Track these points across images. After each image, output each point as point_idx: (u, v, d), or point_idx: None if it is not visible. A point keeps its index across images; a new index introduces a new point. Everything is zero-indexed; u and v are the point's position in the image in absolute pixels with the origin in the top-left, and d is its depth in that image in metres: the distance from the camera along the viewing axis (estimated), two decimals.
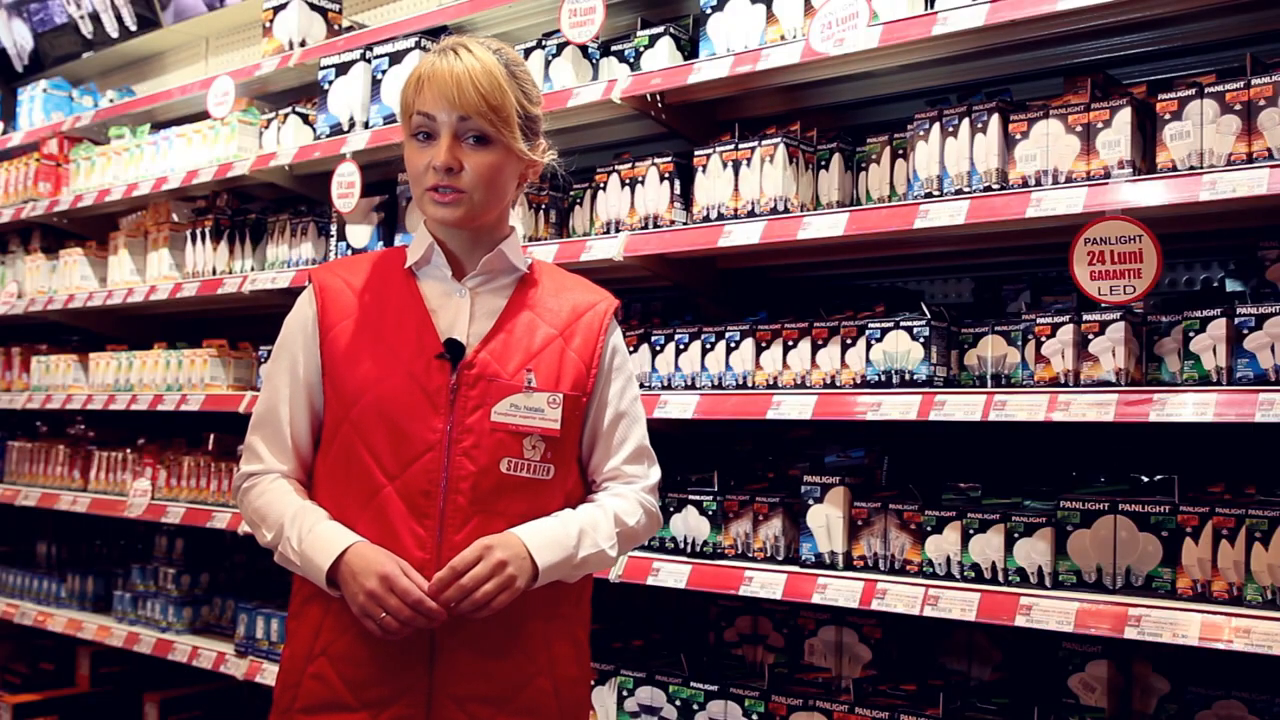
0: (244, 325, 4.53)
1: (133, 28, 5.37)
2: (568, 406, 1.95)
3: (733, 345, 2.84)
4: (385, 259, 2.05)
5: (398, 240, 3.61)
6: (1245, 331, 2.17)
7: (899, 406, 2.44)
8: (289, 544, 1.88)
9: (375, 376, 1.90)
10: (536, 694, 1.93)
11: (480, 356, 1.92)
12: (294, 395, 1.97)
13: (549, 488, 1.96)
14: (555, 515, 1.95)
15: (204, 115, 4.21)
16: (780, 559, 2.71)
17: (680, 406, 2.77)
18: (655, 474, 2.10)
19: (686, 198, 3.01)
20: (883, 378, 2.57)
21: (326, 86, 3.77)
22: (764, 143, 2.81)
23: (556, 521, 1.92)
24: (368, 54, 3.67)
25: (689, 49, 3.12)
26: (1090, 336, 2.33)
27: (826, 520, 2.59)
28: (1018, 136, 2.46)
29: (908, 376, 2.53)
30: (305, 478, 2.00)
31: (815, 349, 2.72)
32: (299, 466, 1.99)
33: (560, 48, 3.26)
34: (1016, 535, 2.36)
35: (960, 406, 2.34)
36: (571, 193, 3.36)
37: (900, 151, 2.77)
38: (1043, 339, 2.38)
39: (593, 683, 2.87)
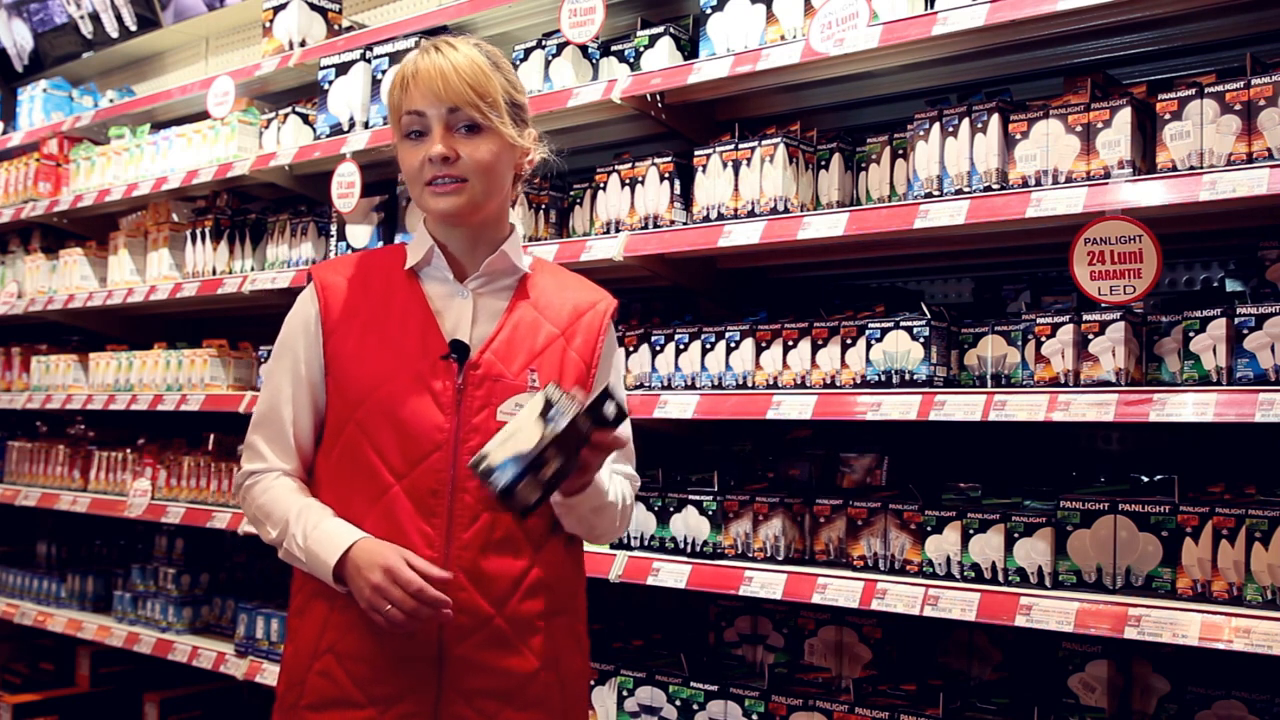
0: (244, 325, 4.53)
1: (133, 28, 5.37)
2: None
3: (733, 345, 2.84)
4: (386, 258, 2.05)
5: (397, 239, 3.61)
6: (1245, 331, 2.17)
7: (899, 406, 2.44)
8: (294, 540, 1.89)
9: (381, 377, 1.91)
10: (542, 688, 1.96)
11: (485, 357, 1.94)
12: (296, 394, 1.98)
13: None
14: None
15: (204, 115, 4.21)
16: (780, 559, 2.70)
17: (680, 406, 2.77)
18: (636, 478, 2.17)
19: (686, 198, 3.01)
20: (883, 378, 2.57)
21: (326, 86, 3.77)
22: (764, 143, 2.81)
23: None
24: (368, 54, 3.68)
25: (689, 49, 3.12)
26: (1090, 336, 2.33)
27: None
28: (1018, 136, 2.46)
29: (908, 376, 2.53)
30: (306, 476, 2.01)
31: (815, 349, 2.72)
32: (301, 465, 2.00)
33: (560, 48, 3.26)
34: (1016, 535, 2.36)
35: (960, 406, 2.34)
36: (571, 193, 3.36)
37: (900, 151, 2.77)
38: (1043, 339, 2.38)
39: (593, 682, 2.88)
